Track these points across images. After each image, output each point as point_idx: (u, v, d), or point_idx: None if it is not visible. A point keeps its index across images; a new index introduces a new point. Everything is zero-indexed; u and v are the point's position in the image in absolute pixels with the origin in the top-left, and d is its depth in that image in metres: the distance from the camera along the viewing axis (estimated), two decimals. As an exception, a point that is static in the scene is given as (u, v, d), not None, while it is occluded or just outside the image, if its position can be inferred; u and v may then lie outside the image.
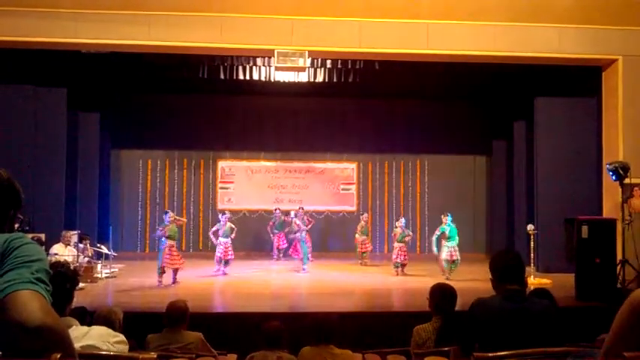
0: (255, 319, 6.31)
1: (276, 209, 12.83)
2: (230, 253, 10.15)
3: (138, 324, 4.46)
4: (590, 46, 9.33)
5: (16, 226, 1.59)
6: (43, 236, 8.85)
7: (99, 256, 10.12)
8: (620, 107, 9.44)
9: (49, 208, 9.82)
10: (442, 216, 10.06)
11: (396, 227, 10.75)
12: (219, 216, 10.63)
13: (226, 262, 10.12)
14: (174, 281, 8.94)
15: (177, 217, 9.89)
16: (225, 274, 10.01)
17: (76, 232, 9.92)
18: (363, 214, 12.58)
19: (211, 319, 6.30)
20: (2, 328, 1.28)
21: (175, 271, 9.01)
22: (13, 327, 1.26)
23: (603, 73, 9.88)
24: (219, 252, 10.09)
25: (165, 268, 8.87)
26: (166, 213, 9.44)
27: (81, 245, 9.71)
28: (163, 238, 9.00)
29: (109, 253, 10.03)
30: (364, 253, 11.80)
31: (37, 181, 9.66)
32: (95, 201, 12.09)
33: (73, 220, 10.77)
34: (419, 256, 12.87)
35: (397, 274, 10.22)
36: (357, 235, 11.91)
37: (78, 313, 3.61)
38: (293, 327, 4.37)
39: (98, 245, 10.34)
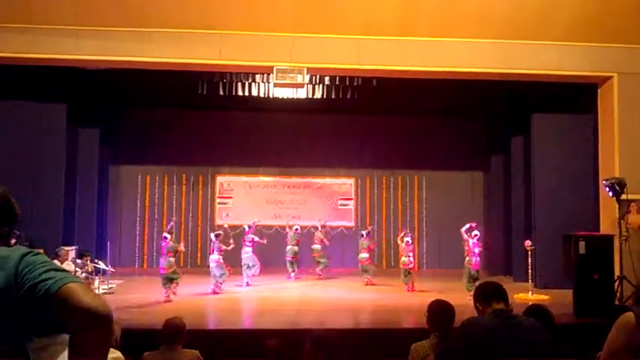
0: (254, 336, 6.28)
1: (294, 226, 12.41)
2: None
3: (135, 341, 4.42)
4: (585, 64, 9.43)
5: (13, 241, 1.60)
6: (41, 252, 8.82)
7: (96, 271, 10.08)
8: (616, 123, 9.51)
9: (48, 224, 9.80)
10: (469, 232, 9.64)
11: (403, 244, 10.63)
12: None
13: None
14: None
15: (176, 245, 9.60)
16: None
17: (73, 247, 9.89)
18: (365, 232, 11.88)
19: (209, 337, 6.26)
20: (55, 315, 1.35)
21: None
22: (78, 312, 1.32)
23: (599, 90, 9.96)
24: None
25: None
26: (165, 238, 9.36)
27: (79, 261, 9.68)
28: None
29: (107, 268, 9.99)
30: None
31: (36, 196, 9.66)
32: (93, 216, 12.06)
33: (71, 236, 10.75)
34: (416, 272, 12.82)
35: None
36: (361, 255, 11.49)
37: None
38: (292, 344, 4.34)
39: (96, 261, 10.31)
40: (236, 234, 11.71)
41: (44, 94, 10.39)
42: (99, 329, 1.34)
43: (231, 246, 10.43)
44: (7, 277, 1.39)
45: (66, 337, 1.53)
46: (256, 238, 11.26)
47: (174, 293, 9.04)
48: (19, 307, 1.37)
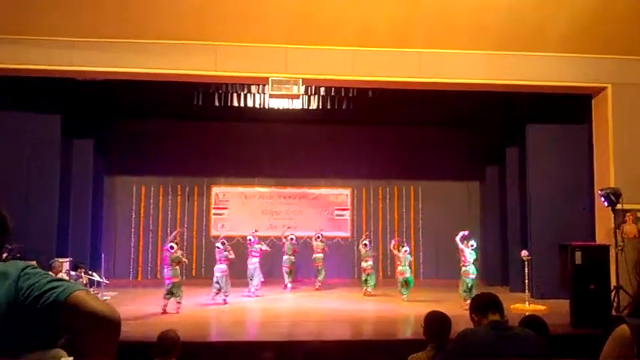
0: (251, 349, 6.24)
1: (289, 236, 12.43)
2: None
3: (129, 353, 4.38)
4: (580, 75, 9.48)
5: (4, 255, 1.58)
6: (34, 264, 8.77)
7: (91, 283, 10.00)
8: (611, 134, 9.55)
9: (42, 235, 9.73)
10: (466, 240, 9.68)
11: (401, 252, 10.68)
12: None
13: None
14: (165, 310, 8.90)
15: (180, 256, 9.47)
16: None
17: (67, 259, 9.82)
18: (368, 242, 11.96)
19: (204, 349, 6.21)
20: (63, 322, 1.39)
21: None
22: (89, 318, 1.36)
23: (593, 101, 10.02)
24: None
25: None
26: (171, 248, 9.27)
27: (73, 273, 9.61)
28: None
29: (101, 280, 9.92)
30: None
31: (30, 207, 9.61)
32: (88, 228, 11.99)
33: (65, 247, 10.67)
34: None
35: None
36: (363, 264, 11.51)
37: (66, 343, 3.55)
38: (288, 356, 4.31)
39: (90, 272, 10.24)
40: (232, 244, 11.65)
41: (38, 105, 10.35)
42: (108, 333, 1.39)
43: (232, 256, 10.33)
44: (8, 292, 1.39)
45: (57, 350, 1.52)
46: (264, 247, 11.24)
47: (177, 310, 8.94)
48: (22, 319, 1.39)
